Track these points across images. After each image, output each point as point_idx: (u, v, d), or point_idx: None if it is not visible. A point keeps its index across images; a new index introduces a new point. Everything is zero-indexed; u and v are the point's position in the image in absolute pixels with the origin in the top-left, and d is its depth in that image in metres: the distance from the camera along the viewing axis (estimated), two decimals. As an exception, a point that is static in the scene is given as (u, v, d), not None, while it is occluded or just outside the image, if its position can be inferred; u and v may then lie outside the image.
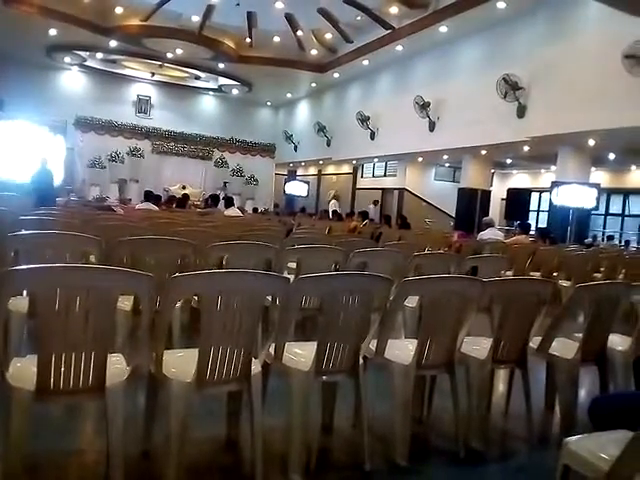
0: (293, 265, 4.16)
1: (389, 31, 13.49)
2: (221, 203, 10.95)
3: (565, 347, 2.84)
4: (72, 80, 19.71)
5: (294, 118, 22.45)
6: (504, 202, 17.76)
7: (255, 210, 16.53)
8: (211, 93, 21.90)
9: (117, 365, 1.97)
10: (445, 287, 2.52)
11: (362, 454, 2.25)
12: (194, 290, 2.09)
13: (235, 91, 20.73)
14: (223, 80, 19.46)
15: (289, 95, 21.36)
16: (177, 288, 1.92)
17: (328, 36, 15.31)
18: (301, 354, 2.26)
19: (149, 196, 9.68)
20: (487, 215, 11.58)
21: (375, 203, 17.66)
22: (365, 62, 15.69)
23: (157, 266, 2.84)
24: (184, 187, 17.80)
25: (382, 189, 18.57)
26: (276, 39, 15.70)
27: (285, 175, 23.63)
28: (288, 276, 3.30)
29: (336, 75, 17.48)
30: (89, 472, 2.18)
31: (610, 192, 16.18)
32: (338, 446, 2.59)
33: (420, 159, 16.61)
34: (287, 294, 2.05)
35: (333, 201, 17.48)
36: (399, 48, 14.14)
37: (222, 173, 20.30)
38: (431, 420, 2.87)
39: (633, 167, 15.09)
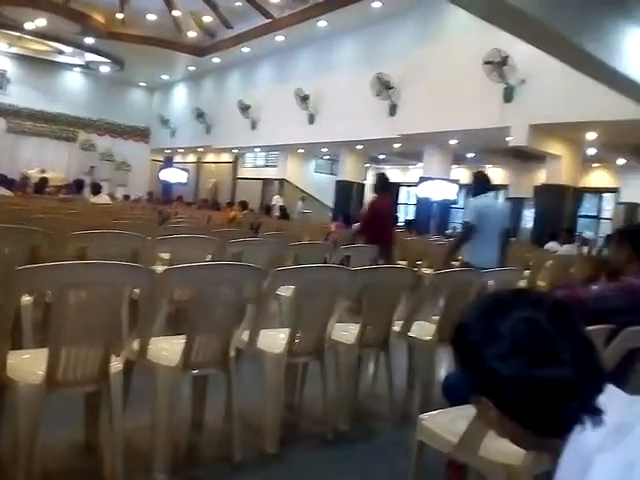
0: (167, 256, 3.99)
1: (269, 20, 13.44)
2: (88, 189, 10.15)
3: (424, 329, 3.06)
4: None
5: (171, 102, 21.49)
6: (378, 195, 18.64)
7: (127, 197, 15.61)
8: (77, 70, 20.11)
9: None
10: (316, 276, 2.58)
11: (232, 446, 2.23)
12: (42, 284, 1.90)
13: (105, 69, 19.26)
14: (91, 56, 17.99)
15: (165, 77, 20.40)
16: (21, 282, 1.73)
17: (207, 19, 14.87)
18: (168, 349, 2.18)
19: (1, 180, 8.67)
20: (362, 207, 12.12)
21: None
22: (246, 49, 15.50)
23: (4, 258, 2.55)
24: (44, 171, 16.19)
25: (263, 179, 18.55)
26: (151, 17, 14.88)
27: (161, 161, 22.58)
28: (159, 267, 3.17)
29: (216, 60, 17.04)
30: None
31: (468, 188, 17.76)
32: (208, 440, 2.55)
33: (300, 151, 16.84)
34: (151, 286, 1.95)
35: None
36: (280, 38, 14.17)
37: (89, 157, 18.88)
38: (302, 406, 2.93)
39: (489, 166, 16.69)
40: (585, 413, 0.77)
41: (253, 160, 19.52)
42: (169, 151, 22.03)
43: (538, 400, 0.80)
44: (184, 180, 20.47)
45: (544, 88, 8.67)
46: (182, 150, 21.44)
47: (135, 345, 2.09)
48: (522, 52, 8.09)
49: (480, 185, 4.59)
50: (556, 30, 4.52)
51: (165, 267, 3.21)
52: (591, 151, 11.23)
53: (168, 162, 22.49)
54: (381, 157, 17.55)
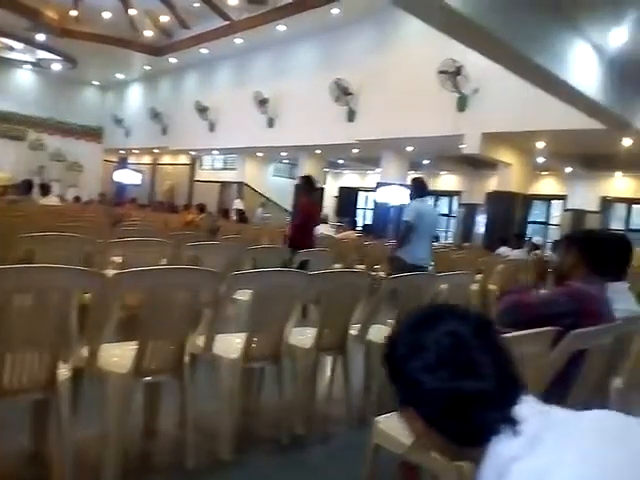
0: (120, 260, 3.89)
1: (228, 22, 13.35)
2: (37, 190, 9.75)
3: (380, 333, 3.09)
4: None
5: (125, 101, 20.96)
6: (336, 199, 18.84)
7: (78, 199, 15.11)
8: (28, 67, 19.33)
9: None
10: (274, 280, 2.57)
11: (186, 453, 2.19)
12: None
13: (57, 66, 18.57)
14: (43, 54, 17.32)
15: (120, 76, 19.90)
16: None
17: (164, 19, 14.61)
18: (120, 355, 2.12)
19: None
20: (321, 211, 12.17)
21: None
22: (204, 51, 15.33)
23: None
24: (-10, 171, 15.51)
25: (221, 182, 18.34)
26: (106, 15, 14.48)
27: (115, 162, 21.98)
28: (111, 271, 3.08)
29: (173, 60, 16.76)
30: None
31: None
32: (161, 447, 2.49)
33: (260, 154, 16.77)
34: (102, 291, 1.89)
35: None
36: (239, 41, 14.09)
37: (38, 156, 18.16)
38: (259, 411, 2.91)
39: (443, 172, 17.11)
40: (503, 423, 0.81)
41: (211, 163, 19.28)
42: (123, 152, 21.49)
43: (459, 411, 0.83)
44: (138, 182, 19.98)
45: (496, 98, 8.95)
46: (137, 151, 20.95)
47: (84, 352, 2.03)
48: (475, 62, 8.32)
49: (417, 190, 5.04)
50: (507, 42, 4.68)
51: (116, 271, 3.13)
52: (540, 159, 11.69)
53: (122, 163, 21.92)
54: (340, 162, 17.69)
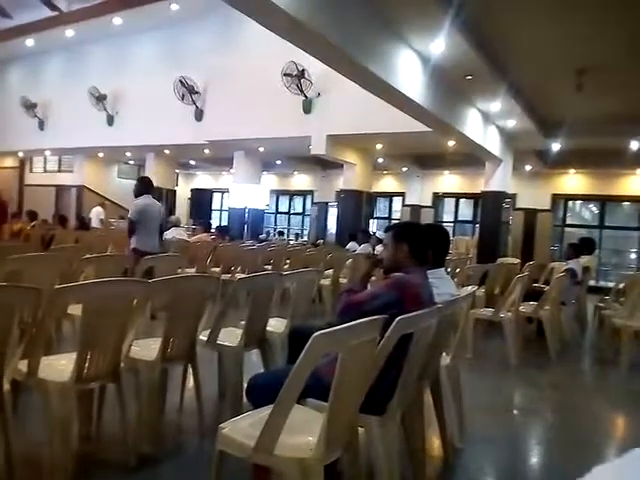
0: None
1: (56, 13, 12.15)
2: None
3: (231, 336, 3.06)
4: None
5: None
6: (190, 202, 18.29)
7: None
8: None
9: None
10: (107, 291, 2.38)
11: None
12: None
13: None
14: None
15: None
16: None
17: (-22, 4, 12.82)
18: None
19: None
20: (173, 214, 11.70)
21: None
22: (30, 42, 13.79)
23: None
24: None
25: (57, 186, 16.68)
26: None
27: None
28: None
29: (-9, 51, 14.82)
30: None
31: (279, 193, 18.47)
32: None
33: (101, 154, 15.57)
34: None
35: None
36: (70, 33, 12.92)
37: None
38: (101, 434, 2.69)
39: (296, 172, 17.54)
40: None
41: (44, 164, 17.44)
42: None
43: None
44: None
45: (338, 101, 9.39)
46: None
47: None
48: (318, 66, 8.60)
49: (142, 188, 5.66)
50: (339, 46, 4.87)
51: None
52: (380, 160, 12.56)
53: None
54: (192, 163, 17.17)
